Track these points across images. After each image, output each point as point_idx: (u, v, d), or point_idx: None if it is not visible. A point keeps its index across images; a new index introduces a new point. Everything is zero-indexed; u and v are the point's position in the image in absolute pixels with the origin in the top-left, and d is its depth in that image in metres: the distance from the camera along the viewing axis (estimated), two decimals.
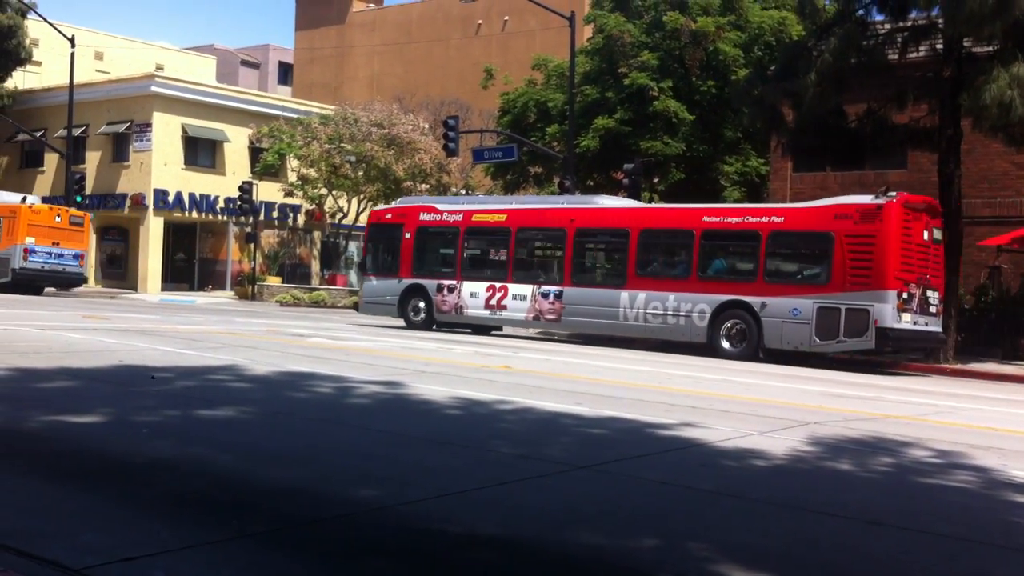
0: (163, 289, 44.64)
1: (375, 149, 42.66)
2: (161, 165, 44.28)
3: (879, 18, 24.25)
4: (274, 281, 45.60)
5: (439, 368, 14.22)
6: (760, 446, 8.45)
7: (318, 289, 44.98)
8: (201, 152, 46.22)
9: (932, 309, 20.95)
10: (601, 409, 10.30)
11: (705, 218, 22.30)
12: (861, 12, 23.72)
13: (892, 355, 22.38)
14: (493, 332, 26.07)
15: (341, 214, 45.90)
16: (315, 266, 51.25)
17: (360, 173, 43.83)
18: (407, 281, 25.62)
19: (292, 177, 44.77)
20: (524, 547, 5.11)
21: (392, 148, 43.20)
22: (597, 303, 22.95)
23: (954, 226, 22.63)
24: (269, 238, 48.37)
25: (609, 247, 24.34)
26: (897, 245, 19.84)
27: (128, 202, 44.50)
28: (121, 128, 44.84)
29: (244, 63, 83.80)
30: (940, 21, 22.22)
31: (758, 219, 21.57)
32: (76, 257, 36.28)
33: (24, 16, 47.08)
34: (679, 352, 22.15)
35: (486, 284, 24.59)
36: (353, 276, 51.35)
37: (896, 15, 23.17)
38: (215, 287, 47.56)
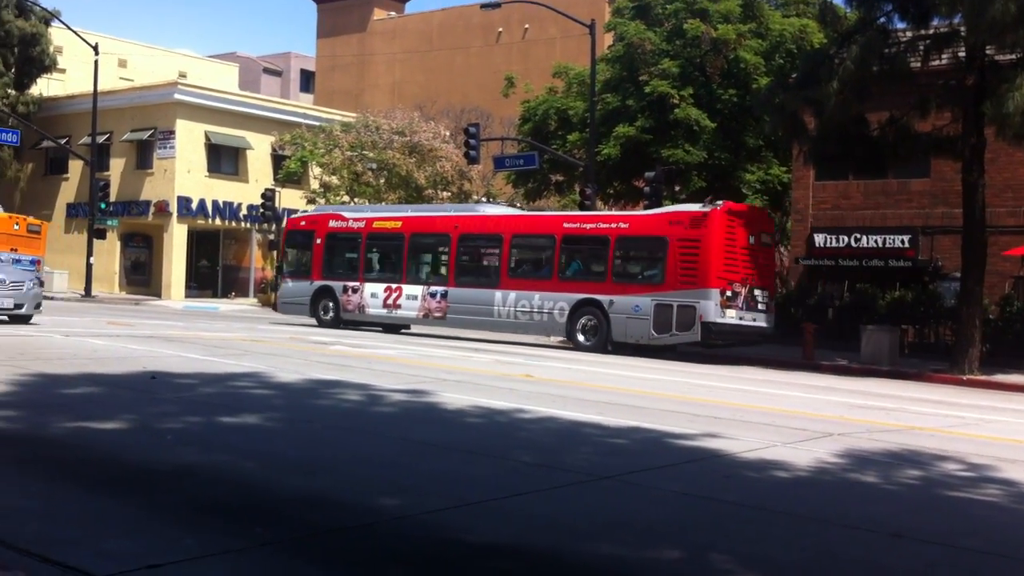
0: (186, 296, 44.79)
1: (397, 156, 42.74)
2: (184, 172, 44.50)
3: (901, 26, 24.08)
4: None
5: (461, 376, 14.23)
6: (783, 457, 8.42)
7: None
8: (224, 159, 46.43)
9: (760, 306, 22.95)
10: (623, 419, 10.28)
11: (565, 224, 24.51)
12: (883, 20, 23.57)
13: (720, 348, 23.67)
14: (402, 331, 27.17)
15: None
16: None
17: (382, 180, 43.93)
18: (317, 283, 27.45)
19: (314, 184, 44.89)
20: (543, 557, 5.12)
21: (414, 156, 43.27)
22: (476, 302, 24.73)
23: (978, 235, 22.49)
24: None
25: (486, 251, 26.02)
26: (720, 248, 21.87)
27: (152, 209, 44.73)
28: (145, 135, 45.07)
29: (266, 71, 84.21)
30: (962, 29, 22.05)
31: (608, 225, 23.77)
32: (33, 263, 36.95)
33: (48, 24, 47.37)
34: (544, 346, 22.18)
35: (384, 285, 26.33)
36: None
37: (918, 23, 23.01)
38: (238, 294, 47.71)
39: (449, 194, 44.79)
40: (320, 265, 27.76)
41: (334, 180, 43.79)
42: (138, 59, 60.21)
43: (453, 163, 43.59)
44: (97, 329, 19.48)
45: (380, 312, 26.42)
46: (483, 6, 36.14)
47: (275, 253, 34.76)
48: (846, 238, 28.22)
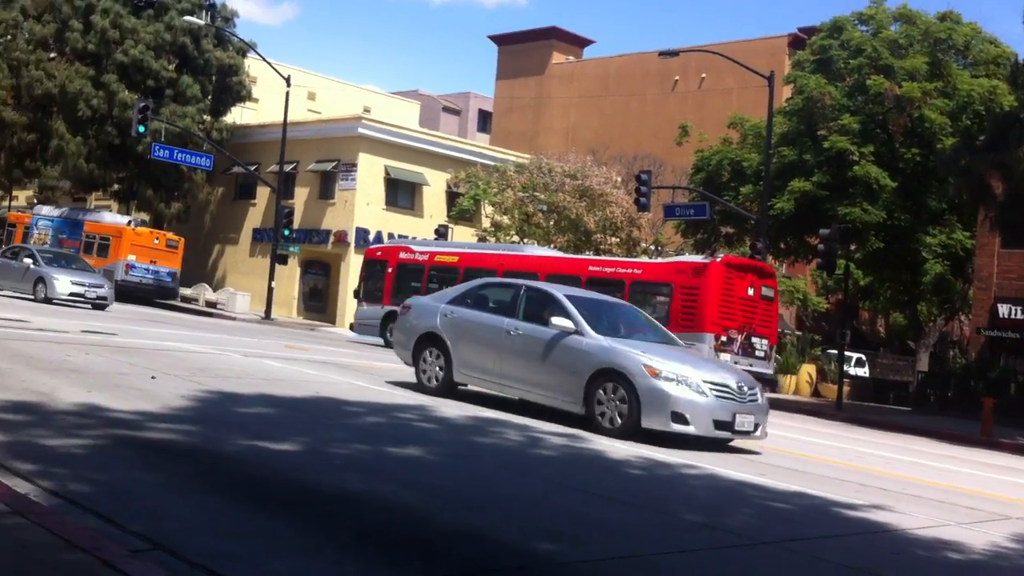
0: None
1: (567, 200, 43.07)
2: (364, 204, 45.97)
3: None
4: None
5: None
6: (956, 537, 8.02)
7: None
8: (401, 193, 47.76)
9: (759, 353, 25.01)
10: (786, 482, 10.00)
11: (590, 267, 27.62)
12: None
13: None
14: None
15: None
16: None
17: (551, 222, 44.33)
18: (387, 307, 29.94)
19: (486, 223, 45.68)
20: None
21: (584, 199, 43.52)
22: None
23: None
24: None
25: None
26: (716, 297, 24.01)
27: (331, 238, 46.27)
28: (329, 166, 46.83)
29: (446, 109, 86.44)
30: None
31: (625, 270, 26.66)
32: (169, 274, 41.81)
33: (244, 55, 49.87)
34: None
35: None
36: None
37: None
38: None
39: (618, 240, 44.80)
40: (390, 291, 30.92)
41: (505, 220, 44.39)
42: (326, 92, 62.77)
43: (623, 209, 43.57)
44: (275, 351, 20.24)
45: None
46: (661, 54, 36.18)
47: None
48: None
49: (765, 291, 25.77)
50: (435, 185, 48.09)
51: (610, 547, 6.20)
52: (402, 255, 31.81)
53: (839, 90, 35.00)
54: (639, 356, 11.92)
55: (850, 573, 6.43)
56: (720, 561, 6.28)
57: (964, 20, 36.36)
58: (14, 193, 58.00)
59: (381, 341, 29.70)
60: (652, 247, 49.02)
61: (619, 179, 45.61)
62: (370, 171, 46.18)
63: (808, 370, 37.04)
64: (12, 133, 49.49)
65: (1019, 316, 27.10)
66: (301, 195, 47.88)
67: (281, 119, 43.13)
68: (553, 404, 12.73)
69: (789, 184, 33.74)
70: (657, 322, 15.56)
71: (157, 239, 42.29)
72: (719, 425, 11.73)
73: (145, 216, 47.65)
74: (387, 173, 46.55)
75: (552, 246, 45.50)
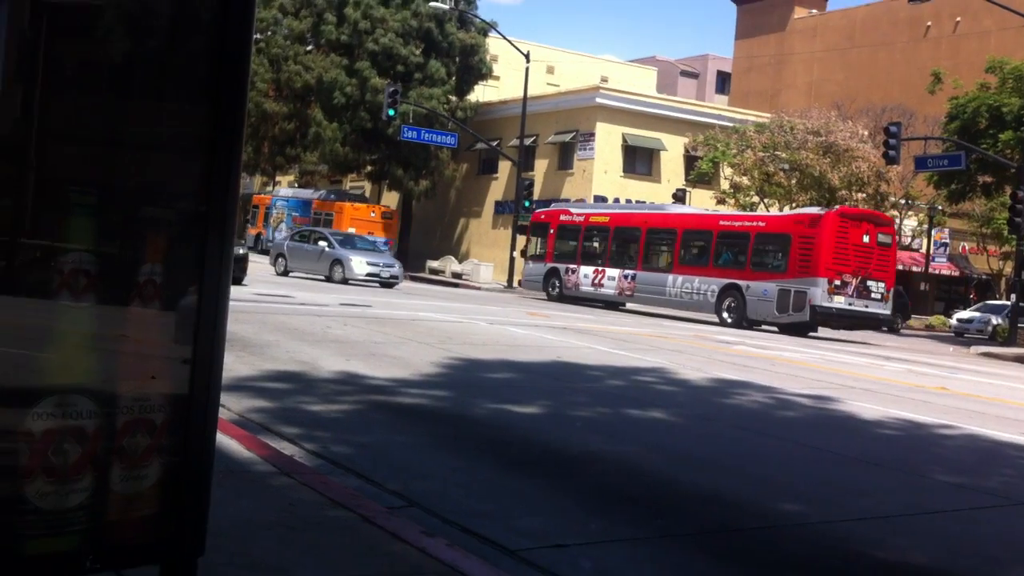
0: None
1: (810, 157, 41.63)
2: (602, 173, 46.18)
3: None
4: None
5: (869, 385, 13.66)
6: None
7: None
8: (639, 160, 47.65)
9: (876, 295, 26.72)
10: None
11: (721, 222, 29.58)
12: None
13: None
14: (620, 308, 32.15)
15: None
16: None
17: (793, 181, 43.02)
18: (549, 265, 33.83)
19: (724, 185, 44.90)
20: None
21: (828, 156, 41.95)
22: (655, 283, 29.82)
23: None
24: None
25: (665, 242, 30.90)
26: (830, 245, 25.78)
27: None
28: (567, 138, 47.33)
29: (683, 73, 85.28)
30: None
31: (751, 223, 28.60)
32: (385, 243, 44.96)
33: (485, 35, 51.10)
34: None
35: (593, 268, 32.10)
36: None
37: None
38: None
39: (864, 196, 42.94)
40: (552, 251, 34.07)
41: (745, 181, 43.45)
42: (564, 65, 63.26)
43: (870, 164, 41.72)
44: (518, 319, 20.76)
45: (589, 290, 32.17)
46: (912, 0, 34.25)
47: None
48: None
49: (882, 238, 27.31)
50: (673, 150, 47.65)
51: (856, 508, 6.06)
52: (562, 217, 34.46)
53: None
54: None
55: None
56: (973, 521, 6.01)
57: None
58: (277, 178, 62.01)
59: (544, 295, 33.57)
60: (902, 201, 46.67)
61: (866, 133, 43.67)
62: (608, 140, 46.29)
63: None
64: (274, 123, 52.92)
65: None
66: (541, 167, 48.64)
67: (521, 95, 43.87)
68: None
69: None
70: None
71: (373, 212, 47.00)
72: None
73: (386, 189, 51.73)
74: (624, 141, 46.52)
75: (793, 205, 44.33)
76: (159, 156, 2.84)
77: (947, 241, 53.91)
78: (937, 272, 53.64)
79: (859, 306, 26.30)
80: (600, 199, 45.48)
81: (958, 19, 59.75)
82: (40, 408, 2.57)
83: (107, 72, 2.72)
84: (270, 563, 3.83)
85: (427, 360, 11.36)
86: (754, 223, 28.59)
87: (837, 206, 27.45)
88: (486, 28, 49.98)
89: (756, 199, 43.59)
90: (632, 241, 31.80)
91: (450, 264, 47.60)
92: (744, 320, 26.97)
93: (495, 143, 47.83)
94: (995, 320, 39.74)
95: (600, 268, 31.84)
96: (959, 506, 6.37)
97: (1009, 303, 40.98)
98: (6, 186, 2.57)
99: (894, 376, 15.78)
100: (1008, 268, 47.81)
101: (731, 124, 46.03)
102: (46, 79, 2.58)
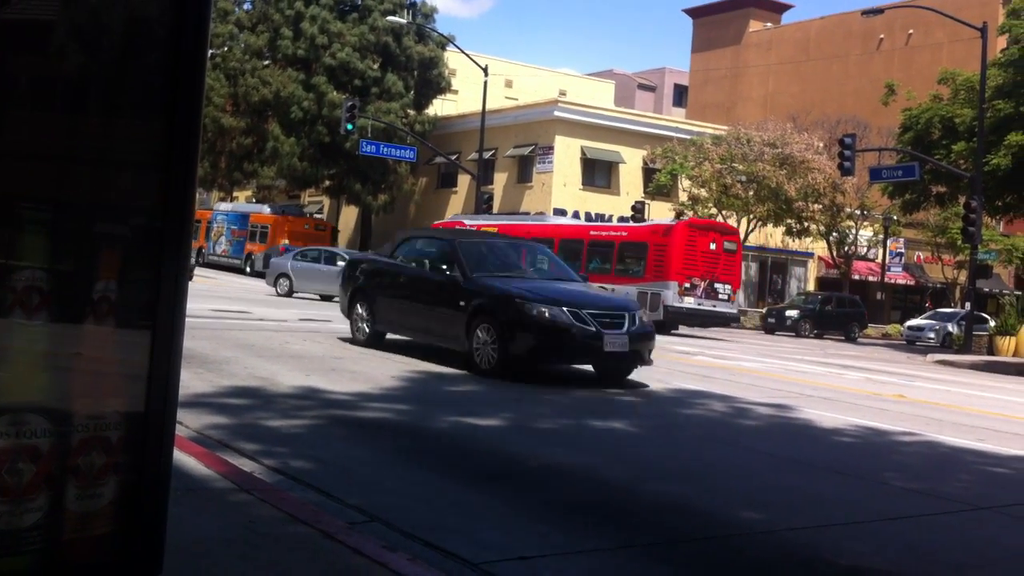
0: None
1: (767, 169, 42.06)
2: (561, 186, 46.36)
3: None
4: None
5: (828, 393, 13.80)
6: None
7: None
8: (598, 173, 47.88)
9: (723, 296, 30.09)
10: (1007, 446, 9.54)
11: (591, 232, 33.24)
12: None
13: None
14: None
15: None
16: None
17: (751, 193, 43.42)
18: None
19: (683, 197, 45.20)
20: None
21: (784, 168, 42.40)
22: None
23: None
24: None
25: None
26: (680, 251, 29.08)
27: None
28: (526, 151, 47.47)
29: (641, 86, 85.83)
30: None
31: (616, 233, 32.29)
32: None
33: (443, 49, 51.15)
34: None
35: None
36: (740, 296, 50.88)
37: None
38: None
39: (820, 207, 43.41)
40: None
41: (703, 193, 43.80)
42: (523, 79, 63.50)
43: (826, 175, 42.23)
44: None
45: None
46: (865, 12, 34.84)
47: None
48: None
49: (727, 245, 30.61)
50: (631, 163, 47.94)
51: (818, 515, 6.10)
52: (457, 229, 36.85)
53: None
54: None
55: None
56: (932, 527, 6.08)
57: None
58: (234, 194, 61.62)
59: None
60: (858, 211, 47.23)
61: (821, 145, 44.21)
62: (566, 153, 46.49)
63: None
64: (231, 138, 52.56)
65: None
66: (500, 180, 48.71)
67: (479, 108, 43.90)
68: None
69: (1006, 139, 31.84)
70: None
71: (307, 224, 48.28)
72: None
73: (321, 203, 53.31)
74: (583, 154, 46.74)
75: (751, 216, 44.72)
76: (113, 172, 2.81)
77: (902, 251, 54.69)
78: (893, 282, 54.34)
79: (708, 306, 29.68)
80: (560, 212, 45.62)
81: (910, 31, 60.70)
82: None
83: (60, 87, 2.70)
84: None
85: (388, 374, 11.31)
86: (618, 233, 32.19)
87: (686, 217, 31.78)
88: (444, 42, 50.02)
89: (714, 211, 43.92)
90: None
91: None
92: None
93: (454, 157, 47.85)
94: (950, 327, 40.31)
95: None
96: (919, 512, 6.43)
97: (960, 311, 41.63)
98: None
99: (852, 384, 15.94)
100: (962, 277, 48.53)
101: (689, 136, 46.39)
102: None
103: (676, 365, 16.67)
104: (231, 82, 51.69)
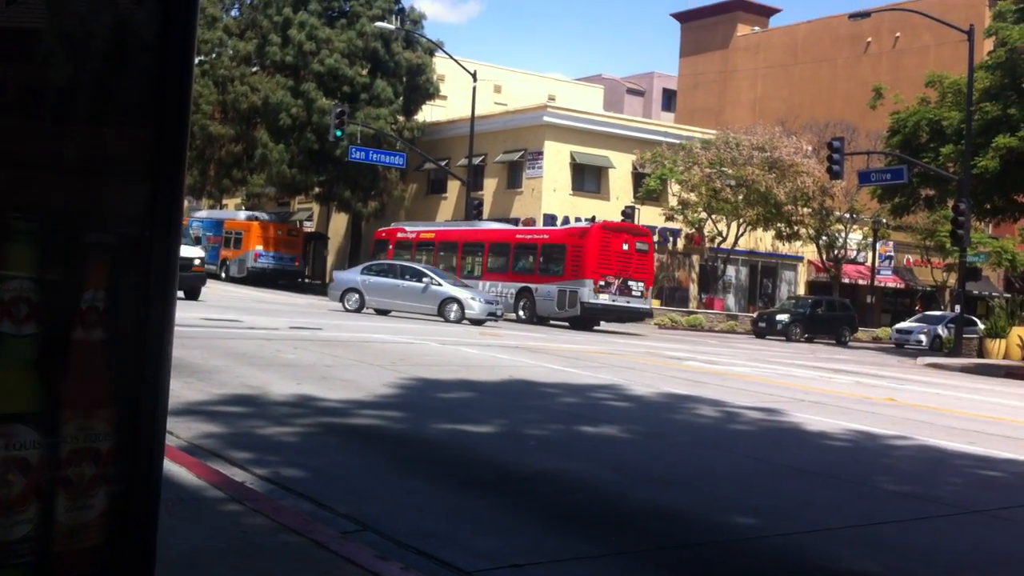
0: None
1: (756, 173, 42.18)
2: (551, 191, 46.37)
3: None
4: (653, 304, 46.30)
5: (818, 397, 13.81)
6: None
7: (695, 312, 45.13)
8: (587, 178, 47.90)
9: (636, 293, 32.45)
10: (997, 449, 9.56)
11: (517, 235, 35.52)
12: None
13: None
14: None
15: (720, 238, 45.81)
16: (693, 290, 51.45)
17: (740, 197, 43.51)
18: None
19: (673, 201, 45.26)
20: None
21: (773, 171, 42.51)
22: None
23: None
24: None
25: (477, 253, 36.20)
26: (595, 252, 31.53)
27: (520, 226, 46.92)
28: (515, 156, 47.47)
29: (629, 91, 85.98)
30: None
31: (539, 236, 34.74)
32: (291, 259, 49.70)
33: (432, 54, 51.12)
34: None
35: None
36: (731, 300, 50.99)
37: None
38: None
39: (809, 210, 43.51)
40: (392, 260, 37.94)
41: (692, 197, 43.87)
42: (512, 84, 63.53)
43: (815, 179, 42.36)
44: (469, 339, 20.73)
45: None
46: (852, 16, 34.97)
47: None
48: None
49: (639, 246, 33.07)
50: (621, 167, 47.98)
51: (810, 519, 6.10)
52: (399, 235, 39.76)
53: None
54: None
55: None
56: (924, 530, 6.08)
57: None
58: (224, 201, 61.49)
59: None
60: (847, 215, 47.36)
61: (810, 148, 44.37)
62: (556, 158, 46.50)
63: (1019, 333, 35.02)
64: (220, 146, 52.47)
65: None
66: (490, 186, 48.70)
67: (469, 114, 43.94)
68: None
69: (993, 141, 31.96)
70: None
71: (280, 231, 49.91)
72: None
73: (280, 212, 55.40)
74: (572, 159, 46.76)
75: (740, 220, 44.81)
76: (100, 181, 2.79)
77: (892, 254, 54.83)
78: (883, 285, 54.47)
79: (621, 302, 31.98)
80: (550, 217, 45.69)
81: (898, 35, 60.94)
82: None
83: (45, 95, 2.67)
84: None
85: (380, 382, 11.29)
86: (541, 236, 34.60)
87: (600, 220, 34.72)
88: (433, 48, 50.02)
89: (704, 215, 44.00)
90: (453, 253, 37.07)
91: None
92: (535, 317, 32.60)
93: (443, 163, 47.85)
94: (939, 330, 40.41)
95: None
96: (910, 516, 6.44)
97: (948, 313, 41.75)
98: None
99: (843, 388, 15.96)
100: (952, 279, 48.68)
101: (678, 141, 46.49)
102: None
103: (666, 370, 16.68)
104: (219, 89, 51.62)
